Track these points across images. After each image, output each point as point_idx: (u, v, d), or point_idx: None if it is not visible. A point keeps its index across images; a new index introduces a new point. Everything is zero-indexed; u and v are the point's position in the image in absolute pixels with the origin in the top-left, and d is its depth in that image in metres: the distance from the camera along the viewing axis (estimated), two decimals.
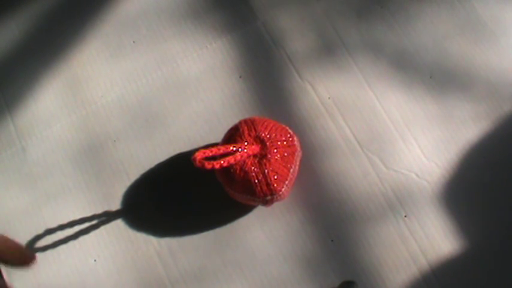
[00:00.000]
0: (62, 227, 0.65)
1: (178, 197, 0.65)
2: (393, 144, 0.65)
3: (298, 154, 0.60)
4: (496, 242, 0.61)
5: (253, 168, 0.56)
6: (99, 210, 0.66)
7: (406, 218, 0.62)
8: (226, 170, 0.57)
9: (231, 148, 0.55)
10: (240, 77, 0.69)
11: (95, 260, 0.64)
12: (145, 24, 0.73)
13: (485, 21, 0.68)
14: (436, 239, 0.61)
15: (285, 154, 0.58)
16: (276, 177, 0.56)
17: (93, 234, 0.65)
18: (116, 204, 0.66)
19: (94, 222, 0.65)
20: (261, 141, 0.57)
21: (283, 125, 0.61)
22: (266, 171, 0.56)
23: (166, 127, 0.68)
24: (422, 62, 0.67)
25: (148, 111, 0.69)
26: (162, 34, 0.72)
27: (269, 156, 0.56)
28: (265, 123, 0.59)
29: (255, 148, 0.57)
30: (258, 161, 0.56)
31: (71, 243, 0.65)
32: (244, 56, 0.70)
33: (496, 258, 0.60)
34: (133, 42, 0.72)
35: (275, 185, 0.56)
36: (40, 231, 0.66)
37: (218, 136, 0.62)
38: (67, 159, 0.68)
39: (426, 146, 0.65)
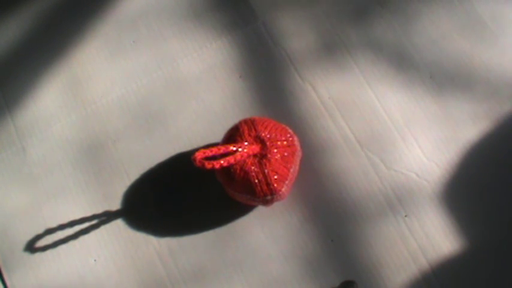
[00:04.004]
0: (62, 227, 0.65)
1: (179, 197, 0.65)
2: (393, 144, 0.65)
3: (298, 154, 0.60)
4: (496, 242, 0.61)
5: (253, 168, 0.56)
6: (99, 210, 0.66)
7: (406, 218, 0.62)
8: (226, 170, 0.57)
9: (231, 148, 0.55)
10: (240, 77, 0.69)
11: (95, 260, 0.64)
12: (145, 24, 0.73)
13: (485, 21, 0.68)
14: (436, 238, 0.61)
15: (285, 154, 0.58)
16: (276, 177, 0.56)
17: (93, 234, 0.65)
18: (116, 204, 0.66)
19: (94, 222, 0.65)
20: (261, 141, 0.57)
21: (283, 125, 0.61)
22: (266, 171, 0.56)
23: (166, 127, 0.68)
24: (422, 62, 0.68)
25: (148, 111, 0.69)
26: (162, 34, 0.72)
27: (269, 156, 0.56)
28: (265, 123, 0.59)
29: (255, 148, 0.57)
30: (258, 161, 0.56)
31: (71, 243, 0.65)
32: (244, 56, 0.70)
33: (496, 258, 0.60)
34: (133, 42, 0.72)
35: (275, 184, 0.56)
36: (40, 231, 0.66)
37: (218, 136, 0.62)
38: (67, 159, 0.68)
39: (426, 146, 0.65)
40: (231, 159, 0.53)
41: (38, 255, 0.65)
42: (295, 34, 0.70)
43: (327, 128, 0.66)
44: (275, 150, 0.57)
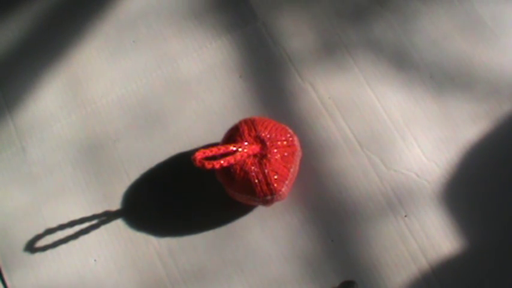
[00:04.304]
0: (62, 227, 0.65)
1: (178, 197, 0.65)
2: (393, 144, 0.65)
3: (298, 154, 0.60)
4: (496, 242, 0.61)
5: (253, 168, 0.56)
6: (99, 210, 0.66)
7: (406, 218, 0.62)
8: (227, 170, 0.57)
9: (231, 148, 0.55)
10: (240, 76, 0.69)
11: (95, 260, 0.64)
12: (145, 23, 0.72)
13: (485, 21, 0.68)
14: (436, 239, 0.61)
15: (285, 154, 0.58)
16: (276, 177, 0.56)
17: (93, 234, 0.65)
18: (116, 204, 0.66)
19: (94, 222, 0.65)
20: (261, 141, 0.57)
21: (283, 125, 0.61)
22: (266, 171, 0.56)
23: (166, 127, 0.68)
24: (422, 62, 0.68)
25: (148, 111, 0.69)
26: (162, 34, 0.72)
27: (269, 156, 0.56)
28: (265, 123, 0.59)
29: (255, 148, 0.57)
30: (258, 161, 0.56)
31: (71, 243, 0.65)
32: (244, 56, 0.70)
33: (496, 258, 0.60)
34: (133, 41, 0.72)
35: (275, 184, 0.56)
36: (40, 231, 0.66)
37: (218, 136, 0.62)
38: (67, 159, 0.68)
39: (426, 146, 0.65)
40: (231, 159, 0.53)
41: (38, 255, 0.65)
42: (295, 34, 0.70)
43: (327, 128, 0.66)
44: (275, 150, 0.57)
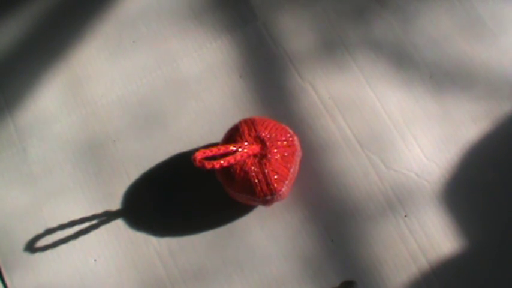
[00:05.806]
0: (62, 227, 0.66)
1: (178, 197, 0.65)
2: (393, 144, 0.65)
3: (298, 154, 0.60)
4: (496, 242, 0.61)
5: (253, 168, 0.56)
6: (99, 210, 0.66)
7: (406, 218, 0.62)
8: (226, 170, 0.57)
9: (231, 148, 0.55)
10: (240, 76, 0.69)
11: (95, 260, 0.64)
12: (145, 23, 0.72)
13: (485, 21, 0.68)
14: (436, 238, 0.61)
15: (285, 154, 0.58)
16: (276, 177, 0.56)
17: (93, 234, 0.65)
18: (116, 204, 0.66)
19: (94, 222, 0.65)
20: (261, 141, 0.57)
21: (283, 125, 0.61)
22: (266, 171, 0.56)
23: (166, 127, 0.68)
24: (422, 62, 0.68)
25: (148, 111, 0.69)
26: (162, 33, 0.72)
27: (269, 156, 0.56)
28: (265, 123, 0.59)
29: (255, 148, 0.57)
30: (258, 161, 0.56)
31: (71, 243, 0.65)
32: (244, 56, 0.70)
33: (496, 258, 0.60)
34: (133, 41, 0.72)
35: (275, 184, 0.56)
36: (40, 231, 0.66)
37: (218, 136, 0.62)
38: (67, 159, 0.68)
39: (426, 146, 0.65)
40: (231, 159, 0.53)
41: (38, 255, 0.65)
42: (295, 34, 0.70)
43: (327, 128, 0.66)
44: (275, 150, 0.57)
